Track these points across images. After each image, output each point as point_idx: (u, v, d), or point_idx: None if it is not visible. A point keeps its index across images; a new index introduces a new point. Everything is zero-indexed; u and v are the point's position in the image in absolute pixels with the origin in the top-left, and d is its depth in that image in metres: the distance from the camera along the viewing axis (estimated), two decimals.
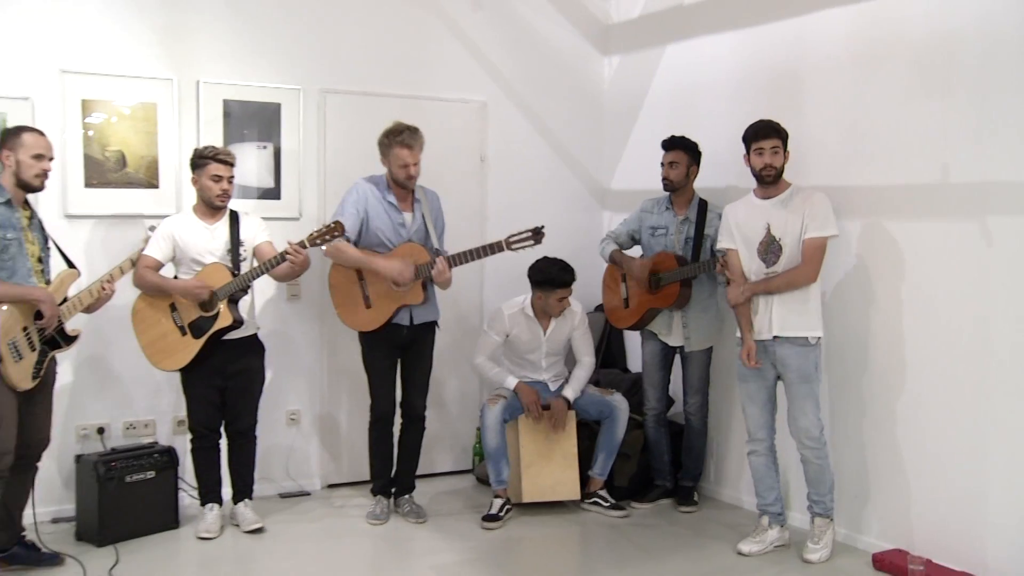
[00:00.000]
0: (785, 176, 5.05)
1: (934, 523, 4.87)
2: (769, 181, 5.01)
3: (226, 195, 5.27)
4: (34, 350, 4.58)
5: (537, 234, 5.44)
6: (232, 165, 5.28)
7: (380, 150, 5.53)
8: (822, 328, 5.00)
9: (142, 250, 5.18)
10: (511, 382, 5.82)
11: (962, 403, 4.74)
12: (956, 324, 4.75)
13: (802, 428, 4.99)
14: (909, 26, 4.92)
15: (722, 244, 5.23)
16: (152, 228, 5.37)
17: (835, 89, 5.32)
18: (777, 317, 4.97)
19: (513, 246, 5.44)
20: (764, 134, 4.98)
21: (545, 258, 5.78)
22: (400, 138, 5.42)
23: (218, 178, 5.22)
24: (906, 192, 4.94)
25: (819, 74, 5.43)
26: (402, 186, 5.52)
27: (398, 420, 5.80)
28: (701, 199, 5.79)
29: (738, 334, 5.13)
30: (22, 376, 4.51)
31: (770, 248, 5.02)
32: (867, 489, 5.18)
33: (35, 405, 4.70)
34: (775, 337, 4.98)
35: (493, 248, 5.43)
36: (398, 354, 5.70)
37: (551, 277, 5.71)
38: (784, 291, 4.94)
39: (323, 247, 5.25)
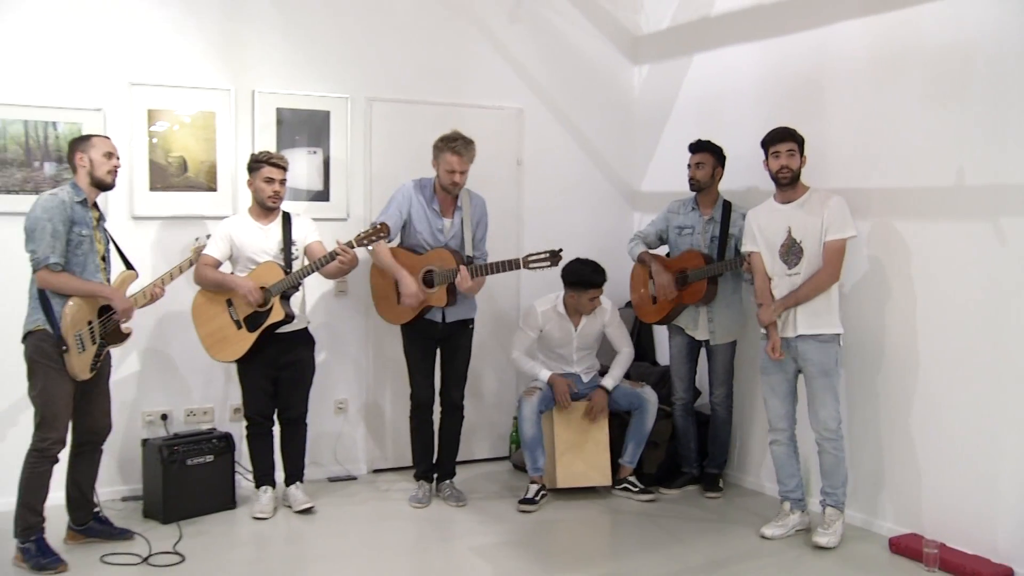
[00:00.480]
0: (807, 179, 5.08)
1: (947, 508, 4.89)
2: (785, 183, 5.04)
3: (277, 197, 5.36)
4: (95, 343, 4.73)
5: (554, 257, 5.44)
6: (284, 168, 5.38)
7: (433, 152, 5.59)
8: (839, 325, 5.00)
9: (191, 256, 5.30)
10: (544, 375, 5.88)
11: (974, 395, 4.75)
12: (969, 319, 4.76)
13: (821, 420, 5.02)
14: (924, 37, 4.94)
15: (746, 247, 5.27)
16: (208, 236, 5.50)
17: (854, 96, 5.33)
18: (801, 316, 4.99)
19: (531, 265, 5.44)
20: (780, 138, 5.01)
21: (578, 260, 5.83)
22: (453, 145, 5.48)
23: (270, 180, 5.32)
24: (922, 194, 4.95)
25: (839, 82, 5.43)
26: (447, 191, 5.58)
27: (438, 409, 5.88)
28: (725, 200, 5.82)
29: (763, 330, 5.17)
30: (82, 367, 4.66)
31: (791, 250, 5.04)
32: (883, 477, 5.19)
33: (94, 395, 4.85)
34: (798, 335, 5.02)
35: (512, 264, 5.45)
36: (435, 346, 5.78)
37: (584, 278, 5.76)
38: (813, 297, 4.95)
39: (369, 247, 5.34)
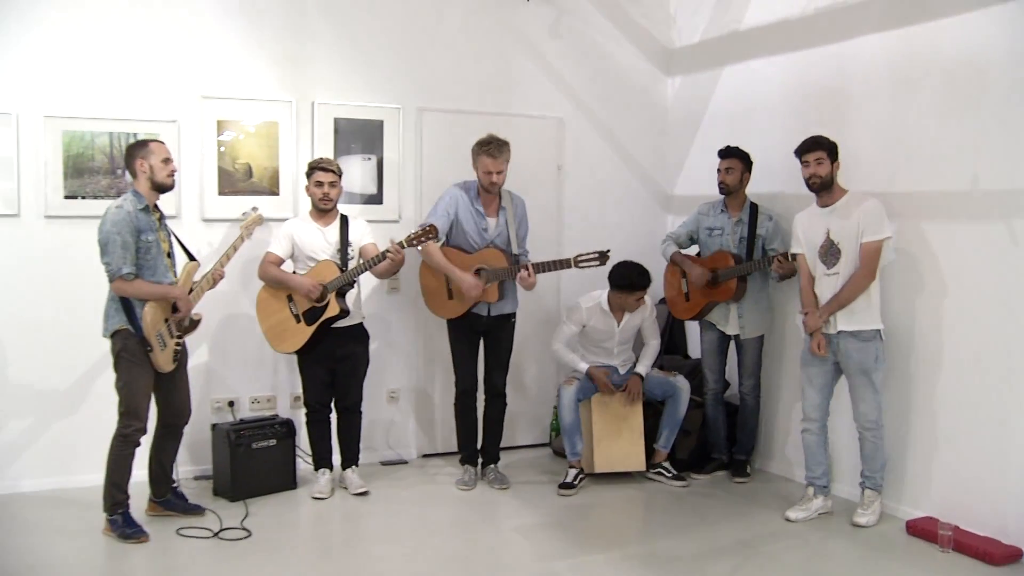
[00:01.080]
0: (840, 184, 5.11)
1: (961, 493, 4.93)
2: (816, 189, 5.09)
3: (327, 199, 5.47)
4: (172, 337, 4.94)
5: (603, 257, 5.57)
6: (333, 172, 5.48)
7: (471, 156, 5.69)
8: (879, 320, 5.03)
9: (243, 233, 5.37)
10: (583, 367, 5.93)
11: (987, 387, 4.80)
12: (984, 315, 4.80)
13: (862, 413, 5.07)
14: (940, 50, 4.98)
15: (792, 249, 5.32)
16: (255, 208, 5.60)
17: (876, 106, 5.36)
18: (840, 313, 5.02)
19: (580, 264, 5.57)
20: (808, 148, 5.08)
21: (625, 263, 5.85)
22: (487, 148, 5.60)
23: (320, 184, 5.44)
24: (940, 198, 4.99)
25: (861, 92, 5.46)
26: (487, 191, 5.69)
27: (481, 397, 5.97)
28: (752, 203, 5.86)
29: (806, 334, 5.22)
30: (166, 360, 4.89)
31: (830, 251, 5.07)
32: (901, 463, 5.21)
33: (176, 383, 5.05)
34: (839, 332, 5.05)
35: (563, 264, 5.57)
36: (479, 338, 5.87)
37: (632, 282, 5.79)
38: (854, 299, 4.98)
39: (419, 247, 5.46)
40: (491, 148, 5.60)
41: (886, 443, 5.11)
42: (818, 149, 5.05)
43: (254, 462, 5.54)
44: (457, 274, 5.59)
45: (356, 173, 6.24)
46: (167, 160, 4.87)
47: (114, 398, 4.87)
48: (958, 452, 4.97)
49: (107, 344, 4.89)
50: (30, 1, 5.47)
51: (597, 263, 5.58)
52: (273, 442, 5.64)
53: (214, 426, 5.70)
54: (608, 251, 5.60)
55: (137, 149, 4.87)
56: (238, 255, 5.35)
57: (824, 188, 5.09)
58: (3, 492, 5.51)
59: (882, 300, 5.18)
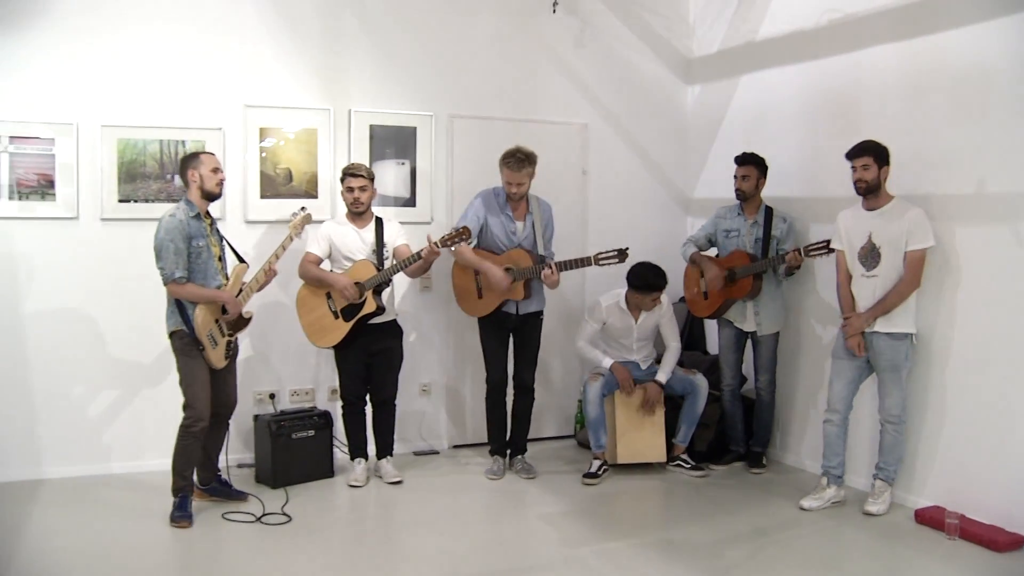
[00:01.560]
0: (887, 189, 5.10)
1: (968, 483, 4.97)
2: (862, 193, 5.07)
3: (358, 203, 5.55)
4: (224, 336, 5.09)
5: (622, 254, 5.62)
6: (362, 176, 5.54)
7: (498, 166, 5.79)
8: (913, 325, 5.04)
9: (291, 233, 5.36)
10: (607, 362, 5.98)
11: (994, 382, 4.84)
12: (989, 313, 4.84)
13: (886, 407, 5.10)
14: (949, 59, 5.02)
15: (833, 244, 5.32)
16: (303, 208, 5.67)
17: (886, 113, 5.40)
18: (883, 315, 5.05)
19: (600, 262, 5.63)
20: (854, 154, 5.05)
21: (642, 264, 5.89)
22: (508, 161, 5.67)
23: (350, 189, 5.54)
24: (948, 201, 5.02)
25: (872, 100, 5.51)
26: (511, 198, 5.79)
27: (510, 392, 6.03)
28: (767, 206, 5.91)
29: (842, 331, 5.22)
30: (218, 358, 5.04)
31: (871, 254, 5.07)
32: (910, 455, 5.23)
33: (226, 376, 5.20)
34: (875, 332, 5.08)
35: (584, 262, 5.64)
36: (508, 336, 5.94)
37: (648, 282, 5.84)
38: (899, 305, 4.99)
39: (451, 248, 5.55)
40: (512, 162, 5.67)
41: (905, 439, 5.16)
42: (864, 155, 5.03)
43: (294, 451, 5.64)
44: (487, 266, 5.67)
45: (390, 177, 6.34)
46: (216, 170, 5.01)
47: (177, 390, 5.07)
48: (964, 444, 5.00)
49: (165, 340, 5.09)
50: (88, 22, 5.66)
51: (616, 260, 5.63)
52: (312, 432, 5.74)
53: (256, 417, 5.84)
54: (627, 249, 5.65)
55: (189, 160, 5.01)
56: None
57: (870, 192, 5.07)
58: (86, 474, 5.76)
59: None
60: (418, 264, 5.47)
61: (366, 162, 6.15)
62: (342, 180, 5.61)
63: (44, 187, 5.63)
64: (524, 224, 5.84)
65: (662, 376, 6.02)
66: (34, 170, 5.60)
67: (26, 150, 5.58)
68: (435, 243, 5.40)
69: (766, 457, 6.19)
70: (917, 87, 5.23)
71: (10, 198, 5.57)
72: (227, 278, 5.13)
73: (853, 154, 5.07)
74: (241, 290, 5.13)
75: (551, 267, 5.60)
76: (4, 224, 5.59)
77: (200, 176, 4.97)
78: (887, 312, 5.03)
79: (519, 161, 5.66)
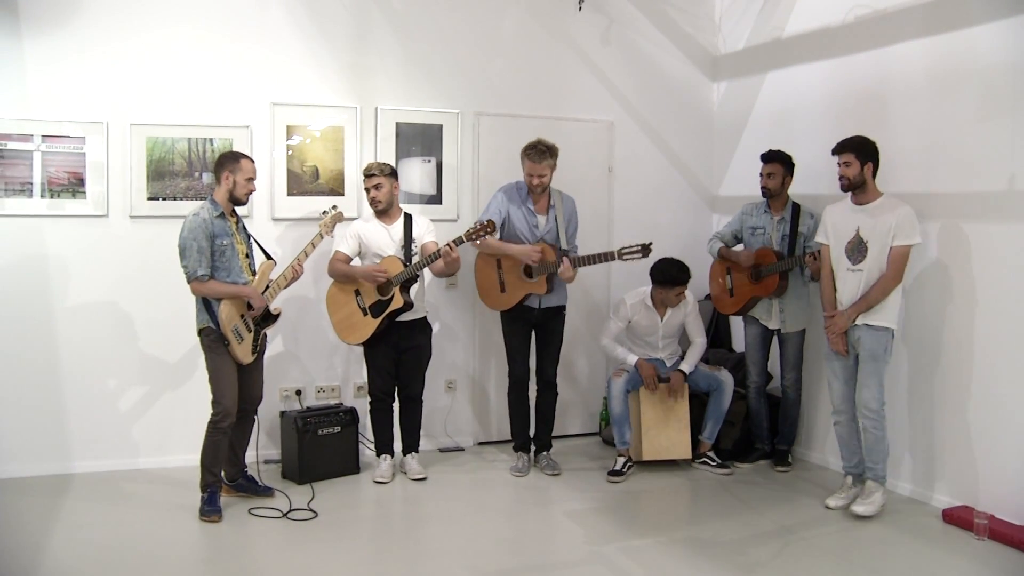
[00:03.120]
0: (875, 186, 5.10)
1: (997, 483, 4.93)
2: (845, 189, 5.10)
3: (375, 201, 5.58)
4: (250, 331, 5.11)
5: (645, 249, 5.59)
6: (374, 175, 5.54)
7: (520, 158, 5.78)
8: (895, 321, 5.03)
9: (322, 231, 5.43)
10: (632, 359, 5.98)
11: (1020, 382, 4.80)
12: (1018, 312, 4.80)
13: (864, 400, 5.08)
14: (978, 56, 4.98)
15: (817, 239, 5.35)
16: (334, 207, 5.67)
17: (914, 110, 5.37)
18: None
19: (624, 257, 5.61)
20: (835, 150, 5.10)
21: (665, 260, 5.90)
22: (529, 152, 5.68)
23: (366, 189, 5.61)
24: (977, 199, 4.99)
25: (900, 97, 5.47)
26: (533, 191, 5.77)
27: (533, 388, 6.02)
28: (794, 202, 5.89)
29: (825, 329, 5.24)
30: (244, 353, 5.07)
31: (857, 248, 5.07)
32: (938, 454, 5.23)
33: (252, 371, 5.22)
34: (858, 324, 5.07)
35: (607, 256, 5.61)
36: (531, 331, 5.92)
37: (671, 277, 5.85)
38: (881, 300, 4.98)
39: (477, 242, 5.53)
40: (533, 153, 5.68)
41: (886, 433, 5.12)
42: (843, 151, 5.07)
43: (320, 447, 5.67)
44: (514, 249, 5.66)
45: (416, 175, 6.36)
46: (250, 179, 5.06)
47: (205, 385, 5.11)
48: (992, 443, 4.97)
49: (193, 336, 5.14)
50: (118, 22, 5.71)
51: (640, 255, 5.60)
52: (338, 429, 5.76)
53: (282, 413, 5.87)
54: (650, 244, 5.62)
55: (229, 161, 5.04)
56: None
57: (854, 188, 5.09)
58: (115, 469, 5.82)
59: (919, 298, 5.28)
60: (439, 265, 5.49)
61: (392, 160, 6.18)
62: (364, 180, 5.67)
63: (75, 185, 5.68)
64: (547, 218, 5.83)
65: (685, 366, 6.02)
66: (65, 168, 5.66)
67: (57, 148, 5.64)
68: (456, 239, 5.41)
69: (791, 455, 6.17)
70: (944, 84, 5.19)
71: (41, 196, 5.63)
72: (253, 275, 5.16)
73: (835, 151, 5.11)
74: (268, 287, 5.16)
75: (565, 262, 5.59)
76: (36, 222, 5.65)
77: (233, 181, 5.00)
78: (870, 307, 5.03)
79: (540, 153, 5.66)
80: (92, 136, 5.68)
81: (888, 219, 4.98)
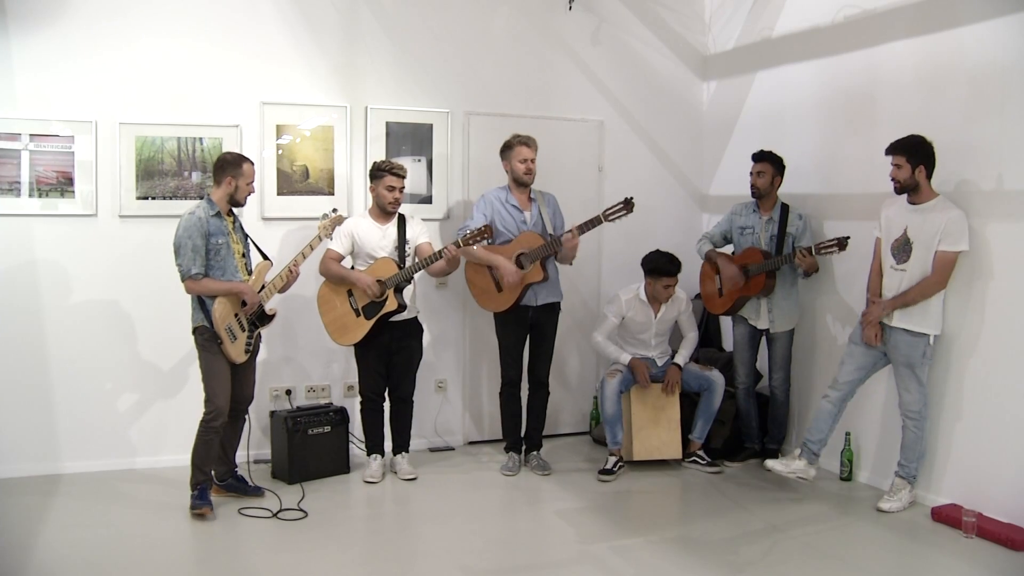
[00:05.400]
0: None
1: (985, 482, 4.94)
2: (897, 191, 5.02)
3: (397, 203, 5.58)
4: (244, 331, 5.10)
5: (628, 204, 5.60)
6: (403, 177, 5.59)
7: (502, 155, 5.78)
8: (938, 328, 4.99)
9: (320, 233, 5.36)
10: (625, 358, 5.97)
11: (1012, 380, 4.79)
12: (1009, 311, 4.80)
13: (905, 403, 5.07)
14: (967, 55, 4.99)
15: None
16: (335, 210, 5.58)
17: (903, 109, 5.36)
18: (905, 311, 5.01)
19: (609, 217, 5.62)
20: (888, 151, 5.01)
21: (657, 251, 5.94)
22: (521, 137, 5.72)
23: (391, 188, 5.54)
24: (966, 198, 4.96)
25: (889, 96, 5.47)
26: (522, 184, 5.75)
27: (525, 388, 6.02)
28: (783, 203, 5.90)
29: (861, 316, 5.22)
30: (238, 352, 5.07)
31: (903, 247, 5.02)
32: (929, 453, 5.20)
33: (245, 371, 5.22)
34: (896, 327, 5.04)
35: (594, 222, 5.61)
36: (525, 331, 5.93)
37: (659, 267, 5.87)
38: (919, 301, 4.93)
39: (475, 246, 5.54)
40: (523, 138, 5.74)
41: (927, 436, 5.13)
42: (896, 153, 4.99)
43: (310, 447, 5.67)
44: (500, 262, 5.66)
45: (406, 174, 6.30)
46: (250, 183, 5.07)
47: (198, 384, 5.12)
48: (982, 442, 4.97)
49: (184, 335, 5.15)
50: (106, 20, 5.70)
51: (624, 211, 5.61)
52: (328, 429, 5.76)
53: (272, 413, 5.85)
54: (631, 198, 5.61)
55: (231, 166, 5.04)
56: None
57: (905, 191, 5.02)
58: (105, 469, 5.81)
59: None
60: (440, 264, 5.49)
61: (386, 159, 6.10)
62: (379, 177, 5.57)
63: (63, 184, 5.67)
64: (531, 213, 5.85)
65: (680, 359, 6.04)
66: (53, 167, 5.64)
67: (46, 148, 5.62)
68: (453, 243, 5.42)
69: (782, 454, 6.01)
70: (934, 83, 5.20)
71: (30, 195, 5.62)
72: (249, 274, 5.16)
73: (888, 151, 5.03)
74: (263, 287, 5.16)
75: (572, 231, 5.61)
76: (24, 221, 5.63)
77: (236, 186, 5.02)
78: (906, 306, 4.99)
79: (528, 137, 5.74)
80: (81, 135, 5.66)
81: (937, 222, 4.89)
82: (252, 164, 5.14)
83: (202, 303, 4.97)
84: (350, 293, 5.59)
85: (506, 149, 5.78)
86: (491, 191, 5.88)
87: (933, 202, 4.97)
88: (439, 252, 5.43)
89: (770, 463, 5.36)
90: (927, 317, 4.99)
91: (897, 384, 5.15)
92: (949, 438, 5.15)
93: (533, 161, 5.72)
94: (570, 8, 6.70)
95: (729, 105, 6.99)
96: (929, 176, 4.98)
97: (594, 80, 6.89)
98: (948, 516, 4.94)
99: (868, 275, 5.32)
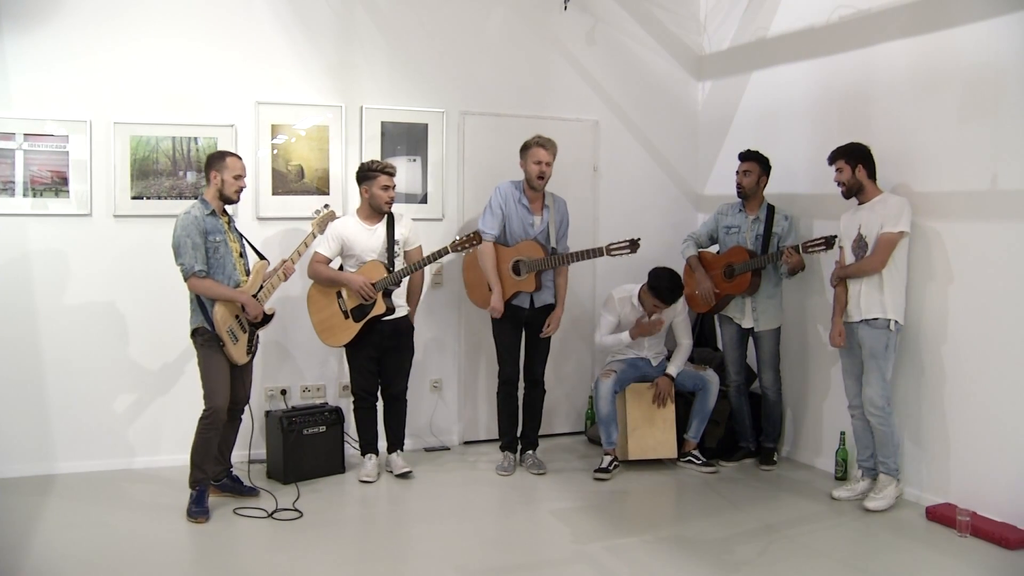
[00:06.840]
0: (875, 184, 5.17)
1: (979, 481, 4.96)
2: (845, 195, 5.21)
3: (392, 202, 5.60)
4: (245, 332, 5.11)
5: (633, 244, 5.63)
6: (393, 175, 5.58)
7: (520, 154, 5.78)
8: (897, 314, 5.07)
9: (314, 230, 5.35)
10: (626, 337, 5.96)
11: (1005, 380, 4.82)
12: (1001, 310, 4.82)
13: (868, 397, 5.14)
14: (960, 57, 5.01)
15: (840, 243, 5.39)
16: (326, 206, 5.55)
17: (898, 110, 5.38)
18: (854, 305, 5.17)
19: (612, 252, 5.65)
20: (829, 160, 5.25)
21: (668, 271, 5.83)
22: (539, 139, 5.72)
23: (386, 188, 5.53)
24: (960, 198, 5.01)
25: (883, 97, 5.48)
26: (533, 187, 5.76)
27: (521, 386, 6.03)
28: (769, 203, 5.93)
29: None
30: (239, 353, 5.08)
31: (859, 245, 5.18)
32: (922, 452, 5.25)
33: (243, 371, 5.23)
34: (860, 320, 5.15)
35: (596, 252, 5.65)
36: (521, 330, 5.94)
37: (659, 290, 5.77)
38: (856, 276, 5.14)
39: (463, 252, 5.57)
40: (542, 140, 5.73)
41: (896, 429, 5.17)
42: (834, 160, 5.21)
43: (305, 447, 5.68)
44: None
45: (402, 174, 6.25)
46: (238, 177, 5.07)
47: (194, 384, 5.13)
48: (976, 441, 5.00)
49: (181, 335, 5.16)
50: (101, 19, 5.70)
51: (628, 250, 5.64)
52: (323, 428, 5.77)
53: (267, 413, 5.86)
54: (638, 239, 5.66)
55: (215, 160, 5.05)
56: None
57: (852, 193, 5.20)
58: (100, 469, 5.81)
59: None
60: (419, 276, 5.58)
61: (379, 159, 6.15)
62: (372, 178, 5.56)
63: (58, 184, 5.66)
64: (542, 218, 5.85)
65: (672, 369, 6.03)
66: (48, 167, 5.64)
67: (40, 147, 5.62)
68: (443, 248, 5.48)
69: (776, 454, 6.19)
70: (928, 84, 5.22)
71: (24, 195, 5.61)
72: (247, 274, 5.16)
73: (829, 160, 5.26)
74: (262, 287, 5.17)
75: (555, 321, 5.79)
76: (19, 221, 5.63)
77: (221, 180, 5.02)
78: (850, 276, 5.20)
79: (549, 140, 5.74)
80: (75, 135, 5.66)
81: (881, 211, 5.09)
82: (238, 157, 5.13)
83: (201, 305, 4.98)
84: (339, 295, 5.59)
85: (524, 149, 5.78)
86: (506, 183, 5.86)
87: (879, 197, 5.16)
88: (425, 258, 5.49)
89: (837, 493, 5.39)
90: (880, 304, 5.10)
91: (863, 379, 5.22)
92: (943, 437, 5.17)
93: (548, 165, 5.72)
94: (565, 8, 6.70)
95: (724, 105, 6.99)
96: (871, 175, 5.18)
97: (589, 80, 6.89)
98: (942, 515, 4.96)
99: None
